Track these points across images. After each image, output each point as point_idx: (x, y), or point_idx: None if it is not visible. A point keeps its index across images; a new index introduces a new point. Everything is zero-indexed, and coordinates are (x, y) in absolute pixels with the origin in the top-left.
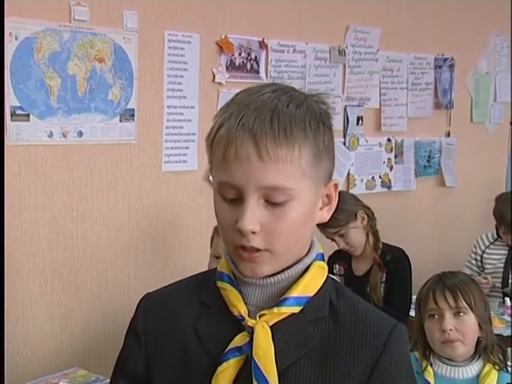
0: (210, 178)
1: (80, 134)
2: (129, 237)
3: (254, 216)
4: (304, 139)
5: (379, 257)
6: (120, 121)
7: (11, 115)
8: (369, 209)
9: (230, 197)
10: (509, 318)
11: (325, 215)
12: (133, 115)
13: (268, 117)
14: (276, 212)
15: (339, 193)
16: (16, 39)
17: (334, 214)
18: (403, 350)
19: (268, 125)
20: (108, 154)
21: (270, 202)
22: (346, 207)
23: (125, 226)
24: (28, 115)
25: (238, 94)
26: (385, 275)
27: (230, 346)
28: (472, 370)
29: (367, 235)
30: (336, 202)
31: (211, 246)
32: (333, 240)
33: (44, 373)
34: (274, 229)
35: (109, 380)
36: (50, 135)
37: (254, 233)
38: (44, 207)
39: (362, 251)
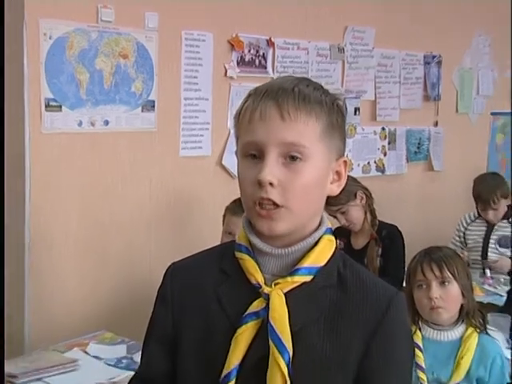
0: (223, 162)
1: (106, 123)
2: (149, 214)
3: (272, 170)
4: (320, 110)
5: (376, 232)
6: (142, 111)
7: (45, 106)
8: (367, 189)
9: (253, 152)
10: (488, 287)
11: (335, 189)
12: (153, 106)
13: (290, 89)
14: (292, 170)
15: None
16: (50, 38)
17: None
18: (402, 314)
19: (290, 94)
20: (131, 140)
21: (288, 160)
22: (347, 187)
23: (146, 205)
24: (60, 106)
25: None
26: (381, 249)
27: (248, 310)
28: (456, 332)
29: (365, 213)
30: (345, 180)
31: (223, 223)
32: (334, 217)
33: (75, 334)
34: (289, 185)
35: (133, 342)
36: (80, 124)
37: (271, 185)
38: (75, 188)
39: (361, 227)
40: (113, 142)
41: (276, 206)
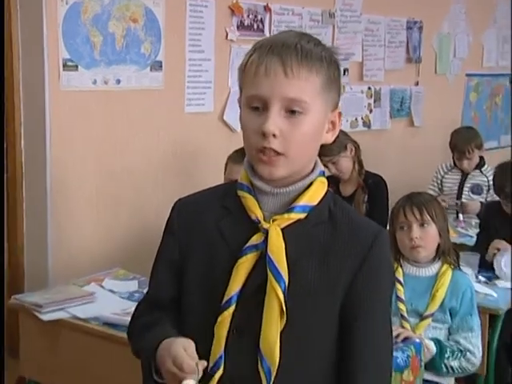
0: (224, 117)
1: (118, 81)
2: (157, 164)
3: (275, 121)
4: (320, 66)
5: (363, 181)
6: (150, 71)
7: (63, 66)
8: (356, 142)
9: (257, 105)
10: (461, 230)
11: (329, 138)
12: (161, 66)
13: (293, 46)
14: (293, 122)
15: None
16: (66, 4)
17: (329, 145)
18: (386, 249)
19: (293, 51)
20: (141, 97)
21: (289, 114)
22: (339, 140)
23: (154, 156)
24: (76, 66)
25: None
26: (367, 196)
27: (248, 243)
28: (432, 269)
29: (354, 164)
30: (338, 130)
31: (225, 171)
32: (326, 166)
33: (92, 271)
34: (290, 136)
35: (144, 278)
36: (94, 82)
37: (274, 136)
38: (90, 141)
39: (349, 176)
40: (124, 99)
41: (276, 153)
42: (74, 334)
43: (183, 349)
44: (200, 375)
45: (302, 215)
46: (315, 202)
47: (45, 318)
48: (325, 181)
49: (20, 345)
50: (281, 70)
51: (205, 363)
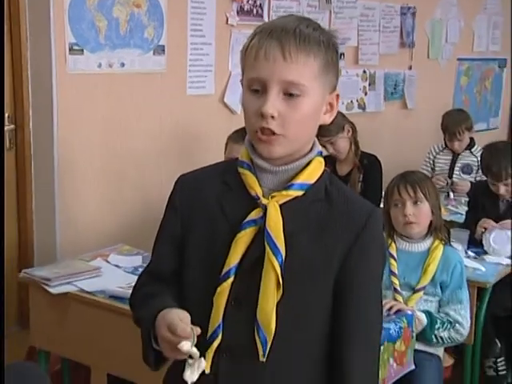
0: (225, 99)
1: (122, 65)
2: (160, 144)
3: (274, 103)
4: (318, 50)
5: (358, 161)
6: (153, 54)
7: (69, 50)
8: (353, 124)
9: (256, 88)
10: (451, 208)
11: (327, 119)
12: (163, 50)
13: (292, 30)
14: (291, 104)
15: None
16: None
17: (327, 126)
18: (379, 227)
19: (292, 35)
20: (144, 80)
21: (287, 96)
22: (337, 121)
23: (157, 137)
24: (82, 50)
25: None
26: (362, 175)
27: (248, 218)
28: (425, 244)
29: (350, 144)
30: (336, 111)
31: (225, 151)
32: (324, 147)
33: (98, 247)
34: (288, 117)
35: (147, 253)
36: (99, 66)
37: (272, 117)
38: (95, 122)
39: (346, 156)
40: (128, 82)
41: (275, 133)
42: (81, 307)
43: (179, 318)
44: (195, 341)
45: (300, 192)
46: (313, 181)
47: (53, 291)
48: (322, 160)
49: (30, 316)
50: (279, 54)
51: (199, 329)
